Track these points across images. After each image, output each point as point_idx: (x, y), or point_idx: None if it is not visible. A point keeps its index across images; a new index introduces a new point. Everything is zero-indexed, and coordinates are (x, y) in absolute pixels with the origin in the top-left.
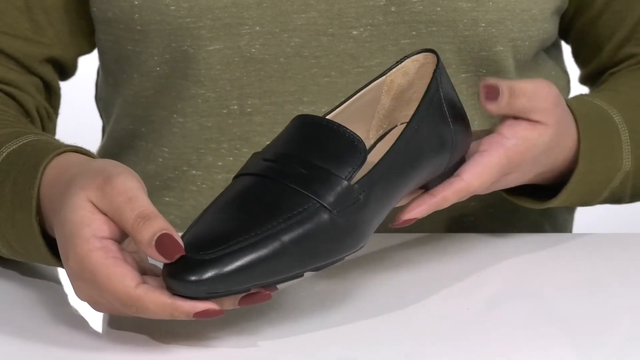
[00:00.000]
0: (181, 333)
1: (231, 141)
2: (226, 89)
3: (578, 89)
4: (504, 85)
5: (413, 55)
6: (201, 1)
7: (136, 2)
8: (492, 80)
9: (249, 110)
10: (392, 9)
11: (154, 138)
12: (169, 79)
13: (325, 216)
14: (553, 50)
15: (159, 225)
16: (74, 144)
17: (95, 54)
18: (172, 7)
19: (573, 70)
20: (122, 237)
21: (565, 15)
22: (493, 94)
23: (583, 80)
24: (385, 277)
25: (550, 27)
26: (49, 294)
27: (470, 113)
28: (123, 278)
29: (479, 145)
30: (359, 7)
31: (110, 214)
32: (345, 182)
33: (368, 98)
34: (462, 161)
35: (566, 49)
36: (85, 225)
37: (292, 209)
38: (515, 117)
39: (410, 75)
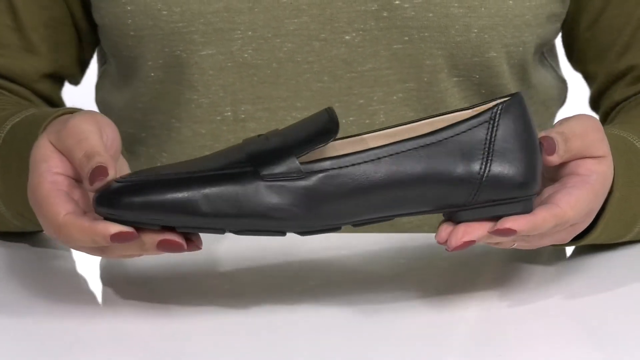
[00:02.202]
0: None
1: None
2: (219, 95)
3: (577, 96)
4: (554, 134)
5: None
6: (193, 6)
7: (129, 8)
8: (544, 133)
9: (242, 116)
10: (384, 14)
11: (154, 143)
12: (164, 84)
13: (253, 181)
14: (549, 56)
15: (97, 159)
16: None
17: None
18: (165, 12)
19: (571, 77)
20: (77, 174)
21: (567, 21)
22: (551, 146)
23: (593, 102)
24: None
25: (546, 32)
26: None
27: None
28: (55, 207)
29: (564, 184)
30: (351, 12)
31: (65, 154)
32: (292, 157)
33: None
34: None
35: (563, 56)
36: (43, 161)
37: (230, 164)
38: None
39: None
